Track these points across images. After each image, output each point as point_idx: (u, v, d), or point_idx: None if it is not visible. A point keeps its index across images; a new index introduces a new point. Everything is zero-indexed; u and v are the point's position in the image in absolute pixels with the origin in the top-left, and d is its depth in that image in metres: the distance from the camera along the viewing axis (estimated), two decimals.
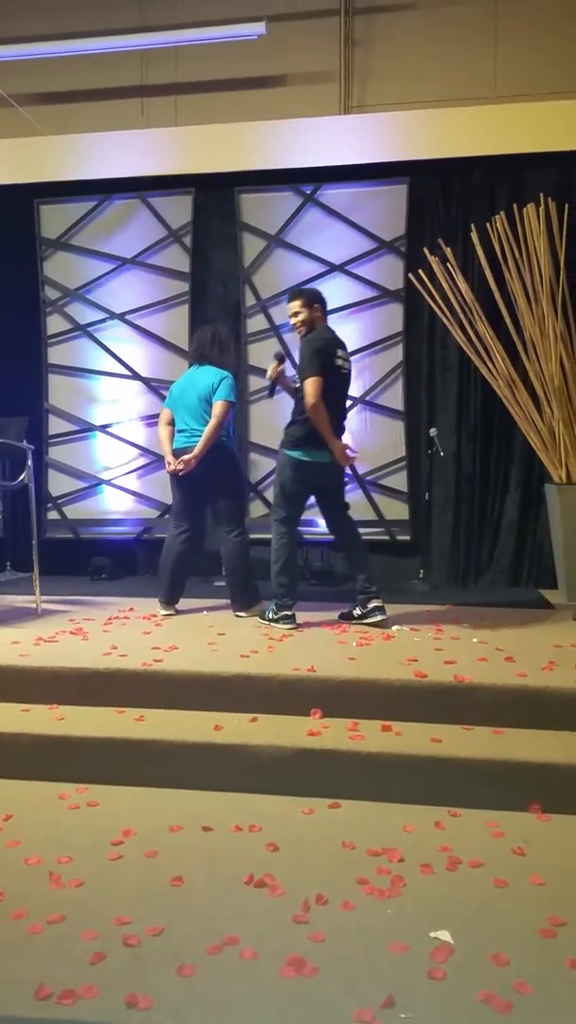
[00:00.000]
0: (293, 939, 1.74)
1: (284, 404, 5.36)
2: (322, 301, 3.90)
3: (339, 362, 3.76)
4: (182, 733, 2.64)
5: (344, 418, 3.88)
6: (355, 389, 3.97)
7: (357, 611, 3.82)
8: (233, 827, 2.27)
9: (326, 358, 3.68)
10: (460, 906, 1.88)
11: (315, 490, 3.86)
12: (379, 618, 3.73)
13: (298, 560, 3.94)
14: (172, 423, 4.15)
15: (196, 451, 3.91)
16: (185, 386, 4.08)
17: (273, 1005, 1.52)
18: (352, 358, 4.24)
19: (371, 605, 3.76)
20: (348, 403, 4.02)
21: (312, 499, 3.92)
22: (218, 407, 3.94)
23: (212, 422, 3.92)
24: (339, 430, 3.79)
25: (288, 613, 3.76)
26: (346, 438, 3.91)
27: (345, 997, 1.55)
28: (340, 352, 3.79)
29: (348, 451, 3.75)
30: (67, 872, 2.02)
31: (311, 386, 3.62)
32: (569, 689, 2.75)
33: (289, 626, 3.71)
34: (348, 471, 4.02)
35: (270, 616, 3.79)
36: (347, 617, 3.86)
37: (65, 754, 2.62)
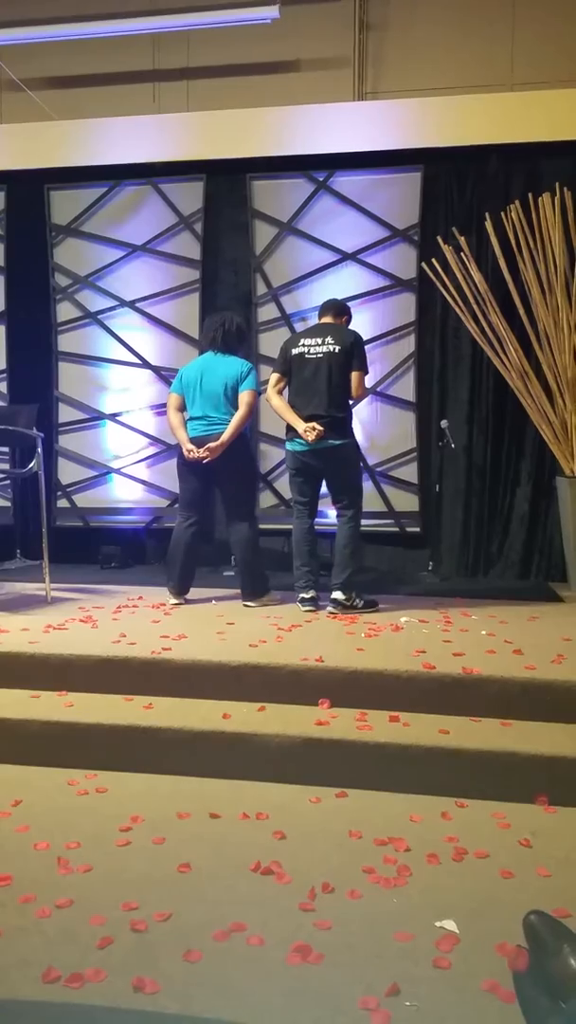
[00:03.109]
0: (299, 926, 1.75)
1: None
2: (320, 311, 4.13)
3: (298, 350, 3.94)
4: (191, 721, 2.65)
5: (312, 399, 3.87)
6: (367, 379, 3.97)
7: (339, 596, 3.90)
8: (241, 815, 2.28)
9: (284, 354, 4.01)
10: (466, 896, 1.88)
11: (311, 475, 3.95)
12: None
13: (305, 545, 4.00)
14: (181, 408, 4.11)
15: (224, 439, 3.89)
16: (202, 373, 4.03)
17: (279, 991, 1.53)
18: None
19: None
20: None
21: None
22: (248, 396, 3.96)
23: (242, 411, 3.94)
24: (305, 410, 3.86)
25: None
26: (356, 428, 3.94)
27: (350, 985, 1.56)
28: (304, 340, 3.96)
29: (308, 428, 3.80)
30: (75, 857, 2.04)
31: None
32: None
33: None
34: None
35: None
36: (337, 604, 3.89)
37: (74, 741, 2.64)
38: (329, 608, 3.87)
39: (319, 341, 3.92)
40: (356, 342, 3.93)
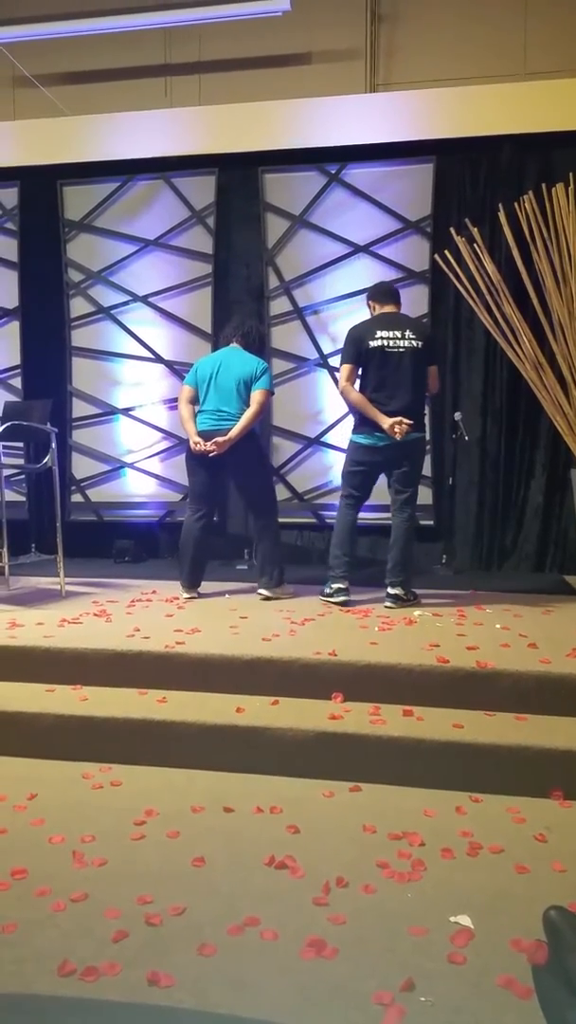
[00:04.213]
0: (313, 921, 1.75)
1: (307, 390, 5.36)
2: (373, 295, 4.04)
3: (377, 343, 3.82)
4: (204, 715, 2.65)
5: (396, 393, 3.82)
6: None
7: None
8: (254, 809, 2.28)
9: (358, 345, 3.84)
10: (481, 891, 1.88)
11: (376, 470, 3.93)
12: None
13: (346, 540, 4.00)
14: (193, 401, 4.11)
15: (232, 434, 3.89)
16: (217, 367, 4.03)
17: (293, 986, 1.53)
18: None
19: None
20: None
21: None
22: (261, 395, 3.96)
23: (254, 409, 3.93)
24: (389, 406, 3.79)
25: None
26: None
27: (364, 979, 1.55)
28: (381, 332, 3.84)
29: (396, 424, 3.74)
30: (90, 851, 2.05)
31: (341, 373, 3.91)
32: None
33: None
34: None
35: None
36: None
37: (89, 734, 2.65)
38: (387, 603, 3.85)
39: (399, 334, 3.83)
40: (434, 336, 3.93)
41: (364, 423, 3.86)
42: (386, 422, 3.75)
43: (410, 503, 3.90)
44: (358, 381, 3.90)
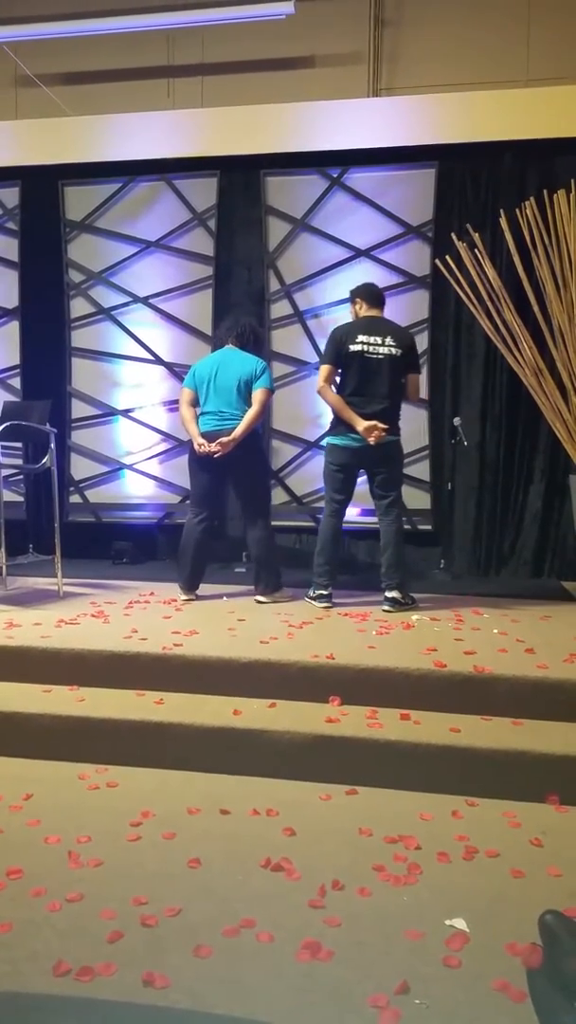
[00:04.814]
0: (309, 923, 1.75)
1: (306, 393, 5.36)
2: (362, 294, 4.04)
3: (357, 347, 3.84)
4: (201, 717, 2.65)
5: (373, 399, 3.85)
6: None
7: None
8: (251, 811, 2.28)
9: (338, 347, 3.87)
10: (476, 895, 1.88)
11: (353, 471, 3.95)
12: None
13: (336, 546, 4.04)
14: (194, 404, 4.11)
15: (236, 434, 3.90)
16: (217, 368, 4.04)
17: (288, 988, 1.53)
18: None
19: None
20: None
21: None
22: (261, 395, 3.97)
23: (256, 408, 3.94)
24: (365, 410, 3.82)
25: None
26: None
27: (360, 982, 1.55)
28: (362, 337, 3.86)
29: (370, 427, 3.77)
30: (86, 852, 2.04)
31: (319, 373, 3.96)
32: None
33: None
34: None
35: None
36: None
37: (85, 735, 2.65)
38: (385, 607, 3.87)
39: (379, 340, 3.86)
40: (414, 345, 3.96)
41: (339, 424, 3.91)
42: (361, 424, 3.79)
43: (395, 506, 3.94)
44: (336, 382, 3.95)
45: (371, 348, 3.85)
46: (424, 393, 5.19)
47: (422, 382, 5.13)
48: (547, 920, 1.20)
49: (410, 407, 5.16)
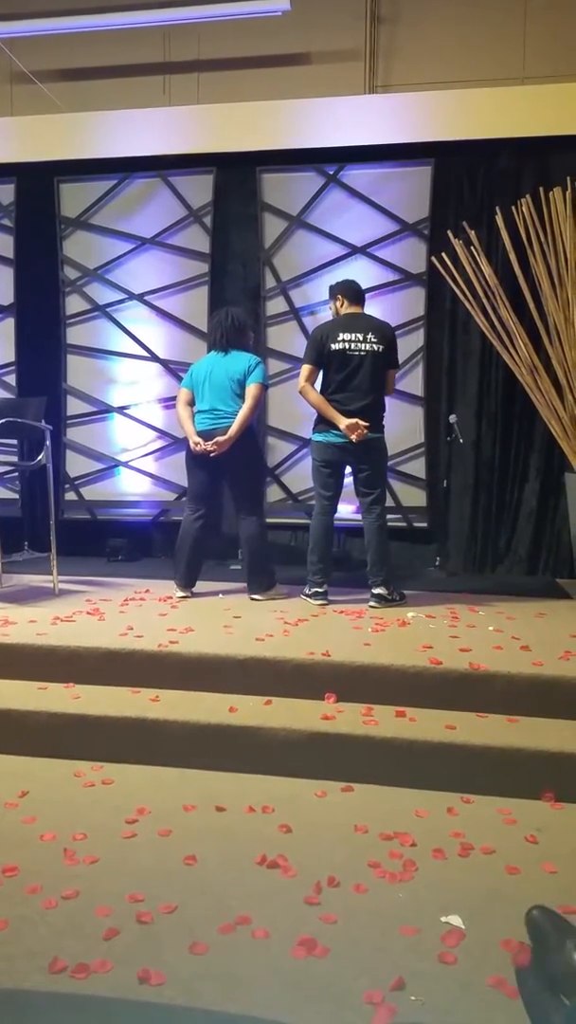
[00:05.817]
0: (305, 920, 1.75)
1: None
2: (343, 291, 4.03)
3: (338, 345, 3.86)
4: (197, 714, 2.65)
5: (355, 396, 3.87)
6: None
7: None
8: (246, 808, 2.28)
9: (319, 347, 3.89)
10: (472, 892, 1.88)
11: (339, 468, 3.96)
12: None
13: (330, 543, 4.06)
14: (191, 403, 4.12)
15: (231, 432, 3.90)
16: (212, 368, 4.05)
17: (284, 984, 1.54)
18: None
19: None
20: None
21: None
22: (254, 390, 3.96)
23: (249, 404, 3.94)
24: (348, 407, 3.84)
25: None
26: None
27: (355, 978, 1.56)
28: (343, 335, 3.88)
29: (352, 425, 3.78)
30: (82, 849, 2.04)
31: (301, 372, 3.96)
32: None
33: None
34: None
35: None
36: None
37: (81, 732, 2.65)
38: (371, 603, 3.89)
39: (360, 337, 3.87)
40: (395, 341, 3.97)
41: (322, 421, 3.92)
42: (343, 422, 3.80)
43: (378, 503, 3.96)
44: (319, 381, 3.95)
45: (353, 345, 3.87)
46: (419, 390, 5.20)
47: (417, 378, 5.19)
48: (534, 916, 1.19)
49: (406, 406, 5.21)
